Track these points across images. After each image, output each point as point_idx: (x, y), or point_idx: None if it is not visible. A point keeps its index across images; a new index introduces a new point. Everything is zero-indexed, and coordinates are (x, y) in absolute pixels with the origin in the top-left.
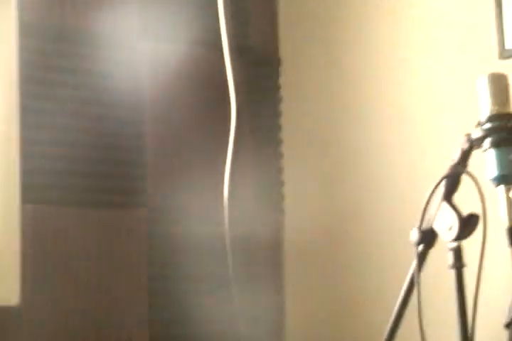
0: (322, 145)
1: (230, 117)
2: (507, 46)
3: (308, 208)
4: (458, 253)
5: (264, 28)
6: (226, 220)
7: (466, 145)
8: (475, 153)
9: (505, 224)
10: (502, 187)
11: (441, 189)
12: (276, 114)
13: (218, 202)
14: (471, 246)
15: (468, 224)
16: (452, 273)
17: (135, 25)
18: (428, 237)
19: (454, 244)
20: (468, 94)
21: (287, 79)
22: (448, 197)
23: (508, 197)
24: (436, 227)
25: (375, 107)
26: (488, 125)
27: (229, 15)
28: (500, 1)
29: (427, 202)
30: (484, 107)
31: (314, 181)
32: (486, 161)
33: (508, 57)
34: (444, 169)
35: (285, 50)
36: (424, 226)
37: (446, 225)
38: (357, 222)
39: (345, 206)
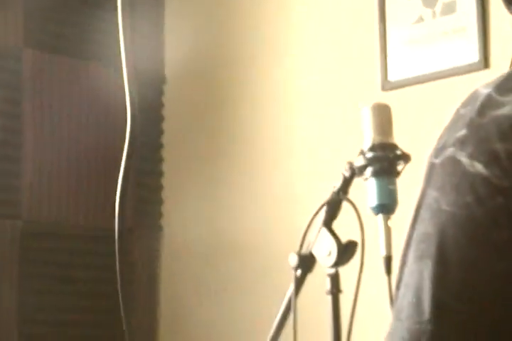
0: (203, 163)
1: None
2: (390, 78)
3: (187, 227)
4: (335, 279)
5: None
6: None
7: (347, 173)
8: (356, 181)
9: (383, 253)
10: (381, 216)
11: (322, 215)
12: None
13: None
14: (348, 272)
15: (346, 251)
16: (329, 298)
17: (19, 34)
18: (306, 262)
19: (332, 270)
20: (351, 124)
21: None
22: (328, 223)
23: (386, 226)
24: (315, 253)
25: (257, 130)
26: (370, 154)
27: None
28: (384, 33)
29: (307, 227)
30: (367, 137)
31: (194, 199)
32: (367, 189)
33: (390, 89)
34: (326, 195)
35: (170, 70)
36: (304, 251)
37: (325, 251)
38: (236, 245)
39: (224, 229)
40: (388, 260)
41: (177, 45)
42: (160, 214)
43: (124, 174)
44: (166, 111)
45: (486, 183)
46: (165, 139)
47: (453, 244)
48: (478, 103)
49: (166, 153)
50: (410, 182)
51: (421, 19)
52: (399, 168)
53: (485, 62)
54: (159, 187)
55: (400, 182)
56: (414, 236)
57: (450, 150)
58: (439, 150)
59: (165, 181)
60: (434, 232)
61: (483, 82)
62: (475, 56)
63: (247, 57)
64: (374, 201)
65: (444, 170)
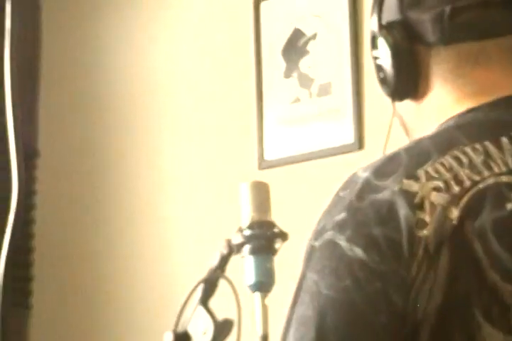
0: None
1: None
2: (266, 157)
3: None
4: None
5: None
6: None
7: (225, 251)
8: (234, 259)
9: (259, 332)
10: (258, 294)
11: (199, 293)
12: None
13: None
14: None
15: (222, 330)
16: None
17: None
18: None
19: None
20: (229, 202)
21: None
22: (204, 301)
23: (263, 304)
24: (190, 331)
25: (130, 203)
26: (248, 232)
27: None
28: (261, 112)
29: (184, 305)
30: (245, 214)
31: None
32: (244, 267)
33: (267, 168)
34: (203, 273)
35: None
36: (179, 329)
37: (200, 329)
38: (109, 321)
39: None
40: (265, 339)
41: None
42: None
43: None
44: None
45: (364, 268)
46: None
47: (332, 328)
48: (357, 187)
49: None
50: (287, 261)
51: (298, 99)
52: (276, 246)
53: (359, 143)
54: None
55: (277, 260)
56: (294, 318)
57: (329, 234)
58: (318, 233)
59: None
60: (313, 315)
61: (357, 163)
62: (350, 137)
63: (120, 137)
64: (251, 279)
65: (323, 254)
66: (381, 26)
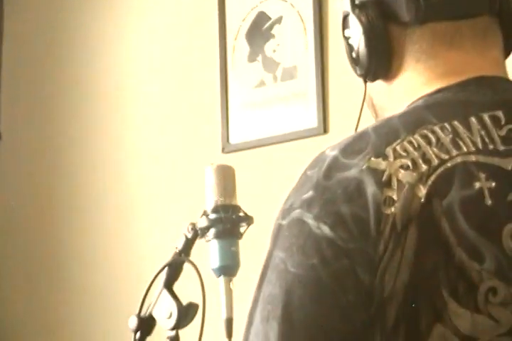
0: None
1: None
2: (231, 141)
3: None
4: None
5: None
6: None
7: (190, 234)
8: (199, 243)
9: (224, 315)
10: (222, 278)
11: (163, 276)
12: None
13: None
14: (189, 335)
15: (187, 313)
16: None
17: None
18: (146, 325)
19: (172, 333)
20: (193, 185)
21: None
22: (169, 284)
23: (228, 288)
24: (155, 315)
25: (98, 195)
26: (213, 215)
27: None
28: (226, 96)
29: (148, 289)
30: (210, 198)
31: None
32: (209, 251)
33: (231, 152)
34: (168, 257)
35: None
36: (144, 313)
37: (165, 313)
38: (77, 311)
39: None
40: (229, 323)
41: None
42: None
43: None
44: None
45: (332, 245)
46: None
47: (298, 306)
48: (325, 165)
49: None
50: (252, 245)
51: (262, 83)
52: (241, 229)
53: (324, 127)
54: None
55: (242, 244)
56: (261, 297)
57: (297, 212)
58: (286, 212)
59: None
60: (280, 293)
61: (321, 147)
62: (314, 121)
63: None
64: (216, 263)
65: (290, 232)
66: (354, 5)
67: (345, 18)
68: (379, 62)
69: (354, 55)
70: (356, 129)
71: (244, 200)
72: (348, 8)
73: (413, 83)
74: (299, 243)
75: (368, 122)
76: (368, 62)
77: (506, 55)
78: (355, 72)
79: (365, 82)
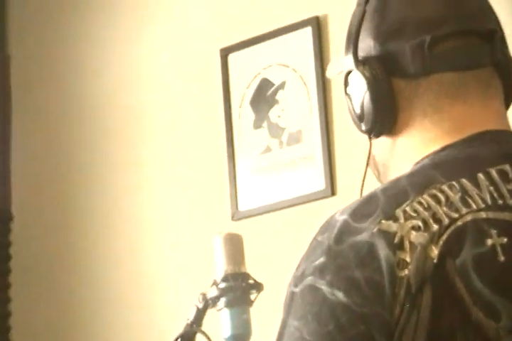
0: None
1: None
2: (240, 208)
3: None
4: None
5: None
6: None
7: (200, 305)
8: (210, 312)
9: None
10: None
11: None
12: None
13: None
14: None
15: None
16: None
17: None
18: None
19: None
20: (203, 254)
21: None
22: None
23: None
24: None
25: (110, 266)
26: (223, 284)
27: None
28: (233, 164)
29: None
30: (219, 267)
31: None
32: (221, 320)
33: (241, 219)
34: (180, 328)
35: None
36: None
37: None
38: None
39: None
40: None
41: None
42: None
43: None
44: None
45: (347, 311)
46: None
47: None
48: (335, 230)
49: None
50: (263, 311)
51: (268, 149)
52: (252, 297)
53: (331, 189)
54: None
55: (254, 311)
56: None
57: (309, 279)
58: (298, 279)
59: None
60: None
61: (330, 209)
62: (321, 184)
63: (97, 189)
64: (228, 331)
65: (304, 299)
66: (358, 61)
67: (347, 75)
68: (384, 117)
69: (359, 111)
70: (362, 188)
71: (255, 267)
72: (351, 64)
73: (419, 140)
74: (313, 310)
75: (375, 180)
76: (374, 117)
77: (507, 106)
78: (359, 128)
79: (370, 138)
